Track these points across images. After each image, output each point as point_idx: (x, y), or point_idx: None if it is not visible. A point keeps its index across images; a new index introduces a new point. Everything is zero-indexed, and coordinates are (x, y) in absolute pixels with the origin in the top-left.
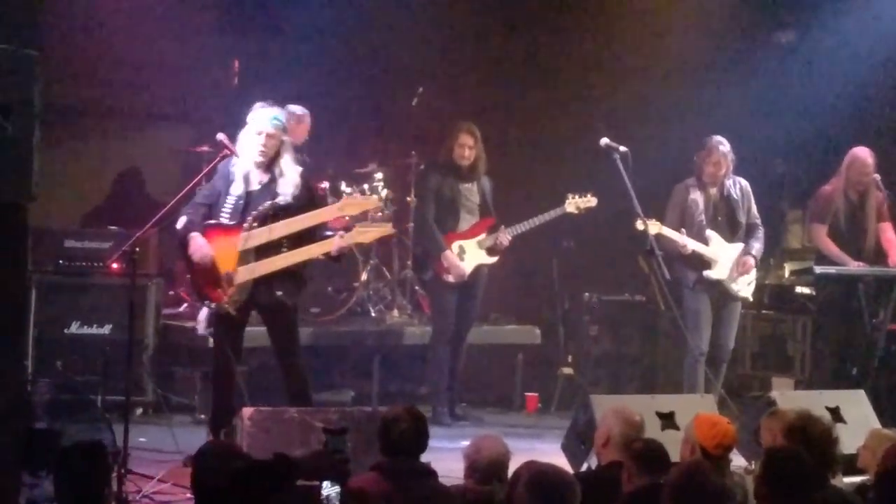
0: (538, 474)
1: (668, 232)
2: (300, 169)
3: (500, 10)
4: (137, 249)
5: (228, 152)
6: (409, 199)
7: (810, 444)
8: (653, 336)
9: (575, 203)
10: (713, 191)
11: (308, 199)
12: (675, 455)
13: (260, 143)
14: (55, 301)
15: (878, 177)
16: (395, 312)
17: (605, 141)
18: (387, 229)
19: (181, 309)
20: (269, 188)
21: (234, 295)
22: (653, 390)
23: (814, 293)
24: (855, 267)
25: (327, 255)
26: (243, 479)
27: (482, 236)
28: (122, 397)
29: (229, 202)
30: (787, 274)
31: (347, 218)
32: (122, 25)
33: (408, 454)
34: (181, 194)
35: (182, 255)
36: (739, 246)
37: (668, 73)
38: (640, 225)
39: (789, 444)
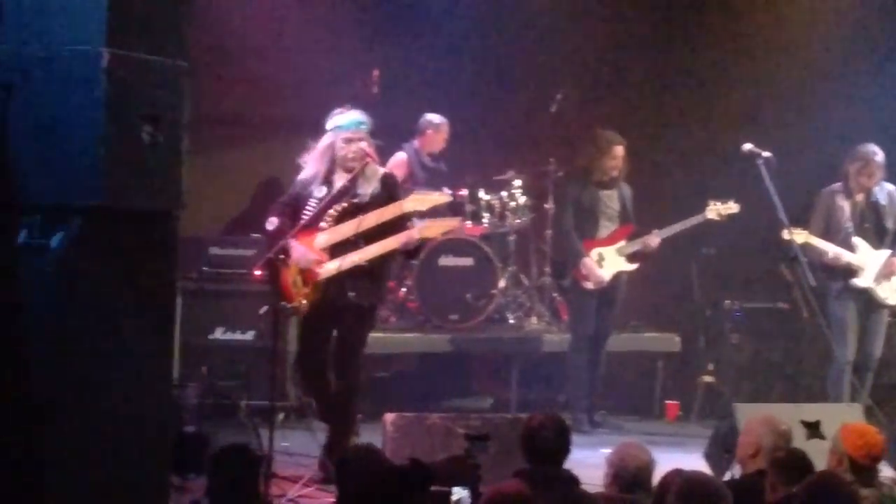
0: (690, 482)
1: (815, 241)
2: (382, 170)
3: (641, 17)
4: (281, 256)
5: (370, 160)
6: (546, 205)
7: None
8: (796, 344)
9: (716, 210)
10: (860, 197)
11: (386, 197)
12: (820, 465)
13: (352, 150)
14: (200, 307)
15: None
16: (534, 319)
17: (748, 146)
18: (453, 223)
19: None
20: (350, 189)
21: (310, 294)
22: (795, 399)
23: None
24: None
25: (404, 253)
26: (380, 484)
27: (622, 243)
28: (265, 402)
29: (311, 204)
30: None
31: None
32: (265, 36)
33: (551, 461)
34: (326, 201)
35: (269, 256)
36: (886, 253)
37: (810, 78)
38: (786, 234)
39: None
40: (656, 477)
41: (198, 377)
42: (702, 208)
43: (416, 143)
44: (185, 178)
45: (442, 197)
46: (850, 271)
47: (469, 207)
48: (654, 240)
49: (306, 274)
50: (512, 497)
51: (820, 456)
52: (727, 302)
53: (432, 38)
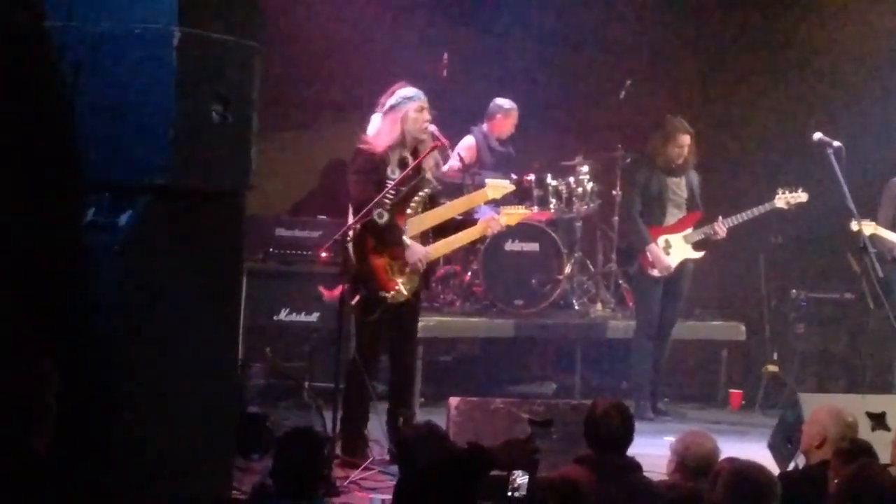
0: (738, 471)
1: (883, 233)
2: (437, 156)
3: (714, 5)
4: (348, 238)
5: (439, 143)
6: (614, 192)
7: None
8: (861, 335)
9: (785, 198)
10: None
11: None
12: (885, 456)
13: (425, 118)
14: (265, 288)
15: None
16: (599, 306)
17: (818, 136)
18: (529, 212)
19: None
20: (420, 173)
21: (407, 282)
22: (860, 390)
23: None
24: None
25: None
26: (439, 468)
27: (689, 231)
28: (328, 384)
29: (390, 189)
30: None
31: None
32: (334, 17)
33: (614, 448)
34: (391, 185)
35: (371, 240)
36: None
37: (881, 67)
38: (854, 226)
39: None
40: None
41: (262, 358)
42: (770, 197)
43: (484, 126)
44: (255, 158)
45: (512, 186)
46: None
47: (536, 193)
48: (720, 227)
49: (404, 261)
50: (568, 481)
51: (884, 447)
52: (793, 292)
53: (501, 21)
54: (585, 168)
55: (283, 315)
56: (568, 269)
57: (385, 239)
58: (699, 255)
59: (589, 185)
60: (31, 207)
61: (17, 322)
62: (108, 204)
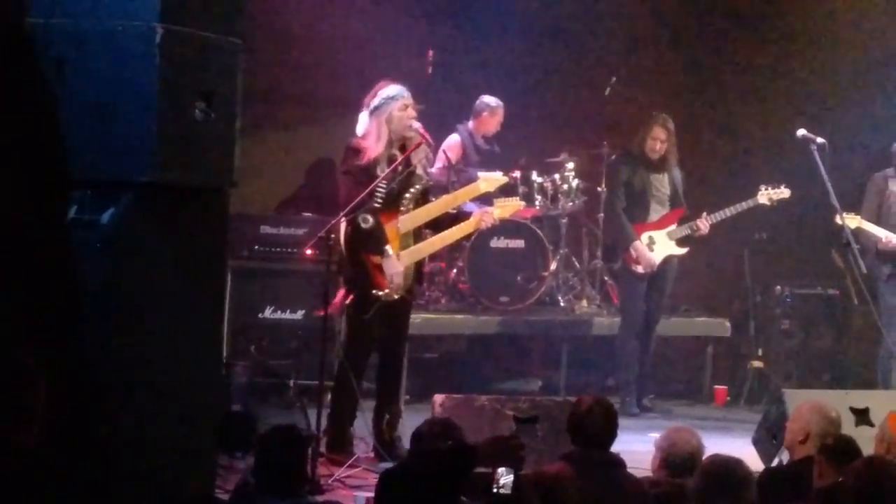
0: (714, 464)
1: (867, 226)
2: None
3: (698, 1)
4: (332, 236)
5: (423, 140)
6: (599, 189)
7: None
8: (846, 330)
9: (768, 195)
10: None
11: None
12: (868, 452)
13: (410, 115)
14: (250, 286)
15: None
16: (584, 302)
17: (802, 132)
18: (521, 205)
19: None
20: (410, 169)
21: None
22: (844, 386)
23: None
24: None
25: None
26: (422, 464)
27: (672, 227)
28: (313, 382)
29: (382, 185)
30: None
31: None
32: (318, 15)
33: (599, 445)
34: (375, 182)
35: (357, 243)
36: None
37: (864, 64)
38: (838, 219)
39: None
40: None
41: (247, 356)
42: (753, 193)
43: (470, 124)
44: (238, 156)
45: (504, 178)
46: None
47: (521, 189)
48: (703, 223)
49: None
50: (552, 478)
51: (868, 443)
52: (778, 287)
53: (487, 19)
54: (571, 165)
55: (268, 313)
56: (553, 266)
57: (366, 244)
58: (683, 251)
59: (574, 182)
60: (13, 205)
61: (1, 320)
62: (91, 201)
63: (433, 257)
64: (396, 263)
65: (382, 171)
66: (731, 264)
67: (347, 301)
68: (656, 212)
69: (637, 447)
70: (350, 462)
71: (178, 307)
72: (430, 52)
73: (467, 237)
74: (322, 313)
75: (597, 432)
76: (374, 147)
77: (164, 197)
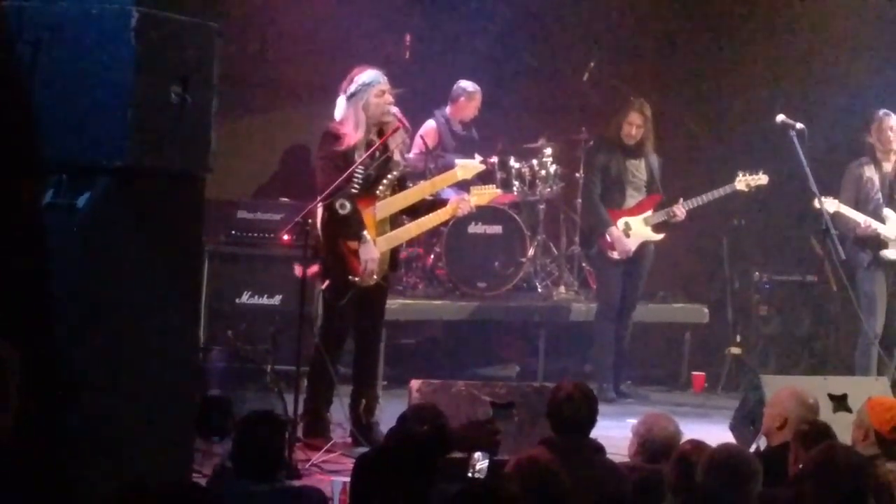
0: (720, 454)
1: (845, 210)
2: (404, 138)
3: None
4: (309, 221)
5: (400, 125)
6: (577, 174)
7: None
8: (824, 317)
9: (745, 181)
10: (888, 168)
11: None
12: (846, 438)
13: (386, 101)
14: (227, 271)
15: None
16: (562, 288)
17: (780, 118)
18: (498, 192)
19: None
20: (387, 155)
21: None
22: (822, 372)
23: None
24: None
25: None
26: (398, 448)
27: (648, 213)
28: (290, 367)
29: (359, 171)
30: None
31: None
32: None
33: (578, 431)
34: (353, 167)
35: (331, 227)
36: None
37: (843, 50)
38: (816, 204)
39: None
40: None
41: (224, 341)
42: (731, 179)
43: (447, 110)
44: (215, 140)
45: (482, 165)
46: (880, 243)
47: (499, 175)
48: (679, 210)
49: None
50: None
51: (846, 429)
52: (756, 274)
53: (465, 4)
54: (549, 150)
55: (245, 298)
56: (531, 252)
57: (343, 230)
58: (659, 237)
59: (552, 168)
60: None
61: None
62: (67, 185)
63: (410, 243)
64: (373, 249)
65: (360, 157)
66: (709, 250)
67: (323, 286)
68: (633, 197)
69: (614, 433)
70: (327, 447)
71: (154, 292)
72: (408, 37)
73: (444, 223)
74: (307, 272)
75: (577, 418)
76: (351, 133)
77: (140, 181)
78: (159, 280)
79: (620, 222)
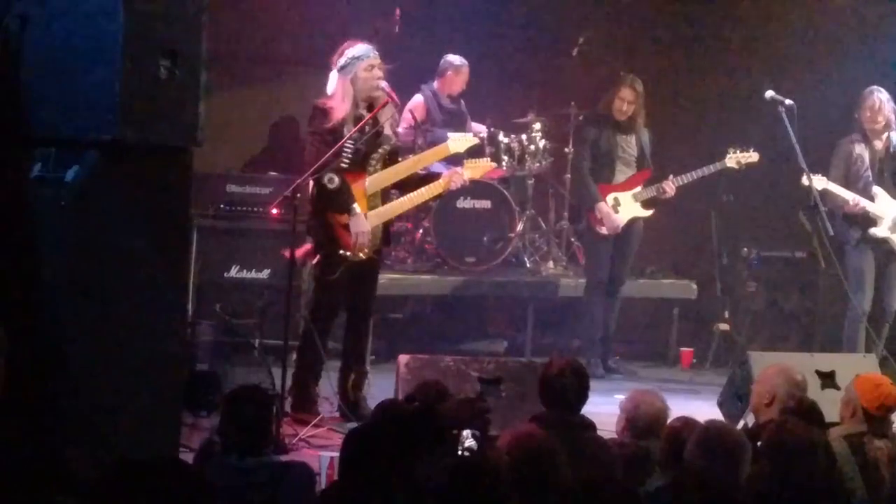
0: (711, 432)
1: (834, 188)
2: (394, 112)
3: None
4: (298, 195)
5: (389, 100)
6: (566, 150)
7: None
8: (812, 293)
9: (736, 158)
10: (878, 146)
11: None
12: (834, 415)
13: (376, 76)
14: (216, 245)
15: None
16: (551, 264)
17: (770, 94)
18: (491, 165)
19: None
20: (377, 129)
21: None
22: (811, 348)
23: None
24: None
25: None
26: (387, 424)
27: (638, 189)
28: (279, 341)
29: (348, 146)
30: None
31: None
32: None
33: (568, 407)
34: (341, 142)
35: (323, 202)
36: None
37: (834, 26)
38: (805, 180)
39: None
40: None
41: (212, 315)
42: (721, 156)
43: (435, 84)
44: (204, 114)
45: (475, 139)
46: (869, 220)
47: (488, 150)
48: (669, 185)
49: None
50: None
51: (834, 405)
52: (745, 250)
53: None
54: (538, 125)
55: (233, 272)
56: (520, 227)
57: (333, 204)
58: (648, 213)
59: (541, 143)
60: None
61: None
62: (55, 159)
63: (399, 217)
64: (363, 222)
65: (349, 132)
66: (697, 226)
67: (314, 261)
68: (622, 173)
69: (602, 409)
70: (315, 422)
71: (143, 266)
72: (398, 11)
73: (436, 197)
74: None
75: (567, 395)
76: (340, 107)
77: (129, 155)
78: (147, 254)
79: (610, 198)
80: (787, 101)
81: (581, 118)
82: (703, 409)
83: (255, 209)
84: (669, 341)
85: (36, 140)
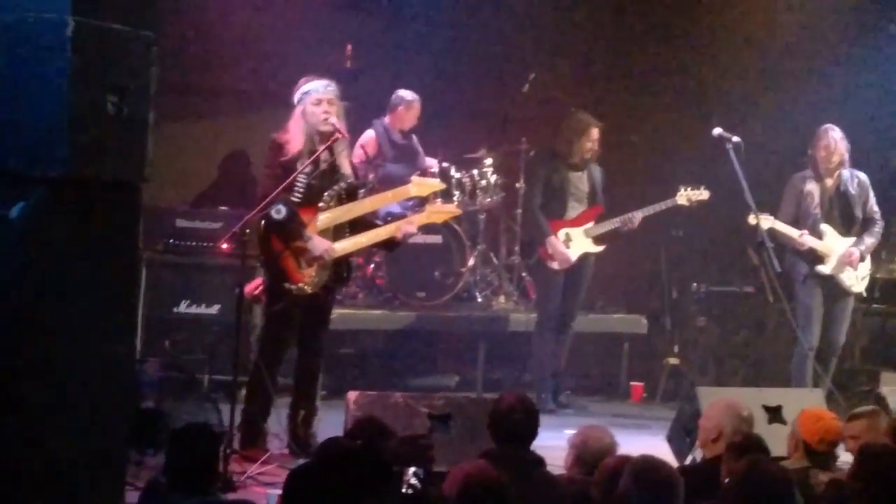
0: (644, 465)
1: (781, 227)
2: (347, 149)
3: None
4: (248, 231)
5: (340, 135)
6: (517, 185)
7: None
8: (761, 329)
9: (687, 195)
10: (829, 183)
11: (355, 177)
12: (779, 450)
13: (323, 110)
14: (165, 280)
15: None
16: (502, 298)
17: (717, 131)
18: (457, 212)
19: None
20: (333, 166)
21: (315, 276)
22: (759, 383)
23: None
24: None
25: (390, 240)
26: (331, 462)
27: (590, 225)
28: (228, 377)
29: (301, 181)
30: None
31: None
32: (235, 6)
33: (518, 442)
34: (292, 177)
35: (272, 235)
36: (852, 241)
37: (781, 63)
38: (752, 219)
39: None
40: None
41: (161, 351)
42: (672, 193)
43: (386, 119)
44: (152, 149)
45: (440, 184)
46: (817, 257)
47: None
48: (637, 216)
49: (308, 256)
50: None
51: (781, 441)
52: (694, 285)
53: (406, 13)
54: (489, 161)
55: (183, 307)
56: (471, 262)
57: (282, 235)
58: (599, 249)
59: (492, 178)
60: None
61: None
62: (1, 195)
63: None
64: (323, 241)
65: (301, 166)
66: (647, 261)
67: (261, 293)
68: (574, 209)
69: (552, 444)
70: (263, 459)
71: (90, 302)
72: (349, 46)
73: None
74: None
75: (517, 430)
76: (293, 141)
77: (76, 191)
78: (95, 290)
79: (561, 233)
80: (735, 139)
81: (532, 154)
82: (653, 443)
83: (205, 244)
84: (620, 376)
85: None
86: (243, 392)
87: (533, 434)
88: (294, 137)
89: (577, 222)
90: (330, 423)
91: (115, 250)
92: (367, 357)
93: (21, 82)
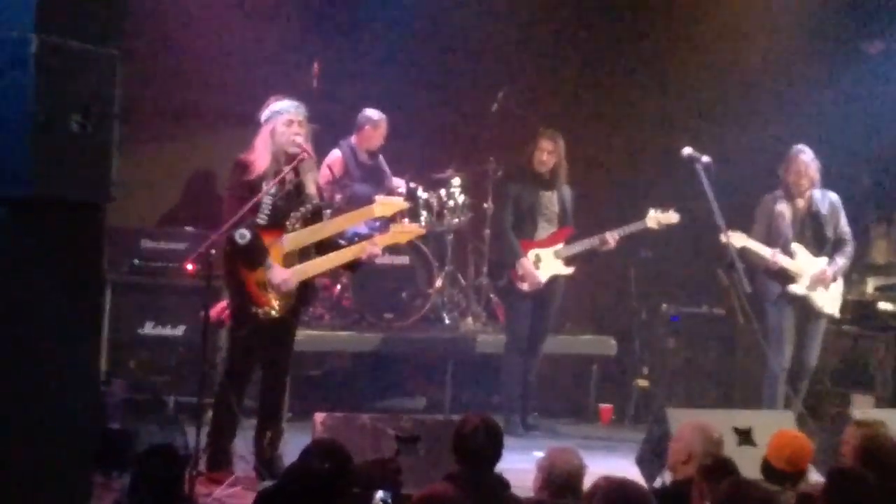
0: (615, 488)
1: (752, 244)
2: (314, 169)
3: (582, 18)
4: (213, 251)
5: (306, 155)
6: (485, 205)
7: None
8: (731, 350)
9: (656, 218)
10: (801, 204)
11: (320, 198)
12: (750, 472)
13: (293, 131)
14: (130, 301)
15: None
16: (470, 320)
17: (687, 151)
18: (420, 231)
19: None
20: (299, 187)
21: (280, 300)
22: (729, 405)
23: None
24: None
25: (355, 261)
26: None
27: (559, 246)
28: (194, 398)
29: (266, 202)
30: (870, 289)
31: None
32: (201, 26)
33: (482, 465)
34: (257, 197)
35: (235, 259)
36: (824, 261)
37: (752, 84)
38: (723, 238)
39: (860, 462)
40: (587, 482)
41: (126, 372)
42: (642, 215)
43: (352, 139)
44: (117, 169)
45: (404, 203)
46: (789, 277)
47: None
48: (612, 237)
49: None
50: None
51: (751, 462)
52: (664, 306)
53: (373, 33)
54: (457, 181)
55: (148, 328)
56: (439, 283)
57: (246, 260)
58: (569, 270)
59: (460, 199)
60: None
61: None
62: None
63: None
64: (282, 271)
65: (267, 187)
66: (616, 282)
67: (226, 316)
68: (544, 230)
69: (520, 466)
70: (229, 481)
71: (54, 323)
72: (316, 65)
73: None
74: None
75: (481, 452)
76: (259, 161)
77: (40, 211)
78: (59, 311)
79: (531, 254)
80: (704, 158)
81: (500, 173)
82: (622, 465)
83: (170, 265)
84: (589, 397)
85: None
86: (209, 413)
87: (497, 456)
88: (260, 156)
89: (546, 243)
90: (297, 445)
91: (79, 271)
92: (334, 378)
93: None
